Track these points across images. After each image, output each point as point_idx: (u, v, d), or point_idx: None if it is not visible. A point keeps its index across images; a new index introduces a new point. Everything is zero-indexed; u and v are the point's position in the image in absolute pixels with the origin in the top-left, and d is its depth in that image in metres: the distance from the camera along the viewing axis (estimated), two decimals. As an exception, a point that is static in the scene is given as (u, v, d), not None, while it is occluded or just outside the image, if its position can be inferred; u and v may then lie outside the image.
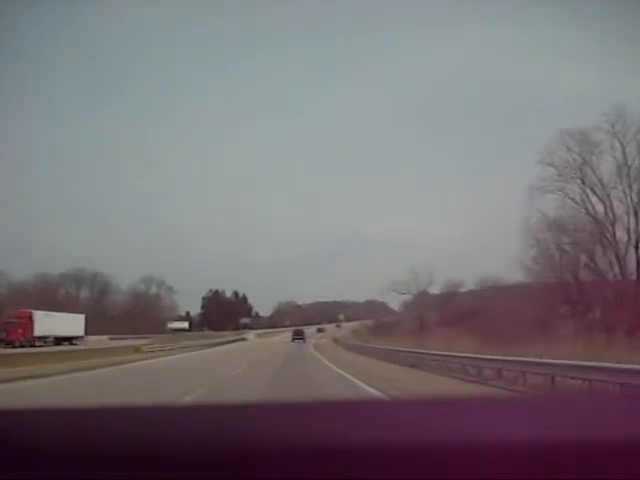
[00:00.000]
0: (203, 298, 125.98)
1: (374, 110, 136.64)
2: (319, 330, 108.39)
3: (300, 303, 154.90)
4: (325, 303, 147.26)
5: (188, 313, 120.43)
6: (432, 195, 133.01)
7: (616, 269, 34.18)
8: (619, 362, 11.72)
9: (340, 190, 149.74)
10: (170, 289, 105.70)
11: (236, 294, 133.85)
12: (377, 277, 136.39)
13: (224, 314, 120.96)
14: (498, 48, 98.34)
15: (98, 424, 0.92)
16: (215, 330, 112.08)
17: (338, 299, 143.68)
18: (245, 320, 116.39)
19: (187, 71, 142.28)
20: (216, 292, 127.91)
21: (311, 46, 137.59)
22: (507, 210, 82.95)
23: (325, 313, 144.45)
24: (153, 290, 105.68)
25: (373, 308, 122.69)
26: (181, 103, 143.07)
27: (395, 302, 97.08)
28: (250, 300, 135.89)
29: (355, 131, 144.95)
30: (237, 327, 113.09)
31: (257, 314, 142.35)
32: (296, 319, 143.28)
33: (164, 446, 0.85)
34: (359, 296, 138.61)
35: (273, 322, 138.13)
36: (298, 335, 75.94)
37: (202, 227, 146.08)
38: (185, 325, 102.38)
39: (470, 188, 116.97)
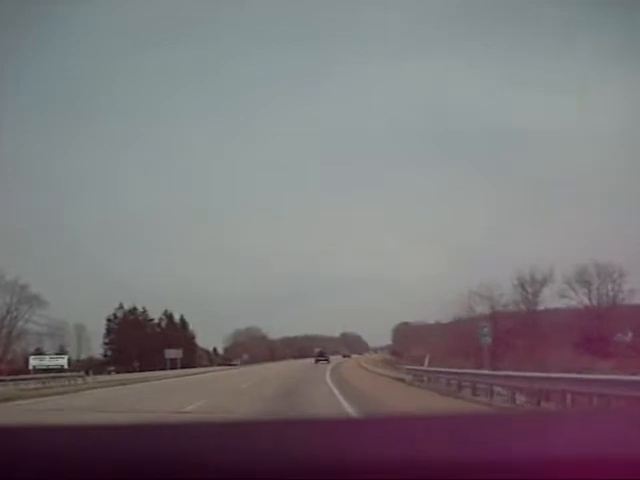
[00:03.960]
0: (109, 319, 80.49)
1: (346, 141, 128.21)
2: (344, 356, 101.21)
3: (265, 332, 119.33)
4: (295, 338, 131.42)
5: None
6: (404, 232, 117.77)
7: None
8: None
9: (309, 225, 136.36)
10: (36, 299, 61.93)
11: (170, 317, 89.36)
12: (350, 311, 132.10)
13: (147, 345, 77.47)
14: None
15: (86, 442, 0.91)
16: (128, 370, 69.47)
17: (309, 333, 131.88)
18: (172, 353, 71.91)
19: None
20: (132, 311, 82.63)
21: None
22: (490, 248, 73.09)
23: (297, 347, 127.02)
24: (6, 300, 62.06)
25: (348, 342, 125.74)
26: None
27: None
28: (201, 332, 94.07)
29: (323, 166, 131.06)
30: (163, 365, 70.20)
31: (215, 350, 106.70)
32: (262, 354, 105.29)
33: (149, 463, 0.85)
34: (332, 330, 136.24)
35: (228, 358, 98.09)
36: (321, 357, 75.91)
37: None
38: (60, 362, 57.82)
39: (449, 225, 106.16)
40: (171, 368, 67.94)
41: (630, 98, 65.18)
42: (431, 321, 72.55)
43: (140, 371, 66.52)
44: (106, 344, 78.74)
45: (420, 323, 76.66)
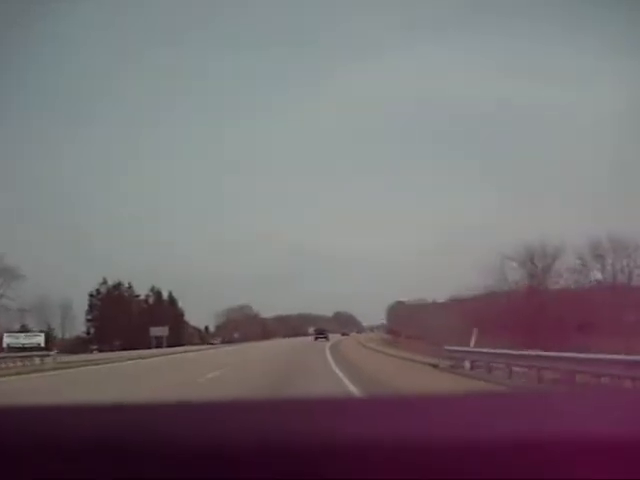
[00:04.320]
0: (91, 295, 76.28)
1: (335, 127, 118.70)
2: (343, 334, 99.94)
3: (257, 311, 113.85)
4: (289, 316, 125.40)
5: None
6: (398, 212, 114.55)
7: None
8: None
9: (302, 207, 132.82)
10: (10, 272, 57.93)
11: (157, 293, 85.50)
12: (343, 290, 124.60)
13: (132, 322, 73.77)
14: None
15: (89, 421, 0.91)
16: (112, 349, 65.80)
17: (303, 312, 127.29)
18: (157, 331, 68.14)
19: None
20: (117, 286, 78.65)
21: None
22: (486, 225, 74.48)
23: (291, 326, 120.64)
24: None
25: (341, 321, 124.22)
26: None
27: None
28: (193, 311, 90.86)
29: (318, 152, 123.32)
30: (149, 343, 66.50)
31: (207, 328, 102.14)
32: (254, 332, 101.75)
33: (149, 444, 0.85)
34: (325, 309, 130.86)
35: (220, 336, 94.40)
36: (320, 334, 76.49)
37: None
38: (37, 340, 54.08)
39: (444, 205, 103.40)
40: (156, 347, 64.49)
41: (633, 81, 62.87)
42: (428, 300, 72.74)
43: (123, 350, 62.97)
44: (89, 321, 74.74)
45: (417, 302, 75.96)
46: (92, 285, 76.96)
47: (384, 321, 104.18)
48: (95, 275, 78.21)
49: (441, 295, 65.39)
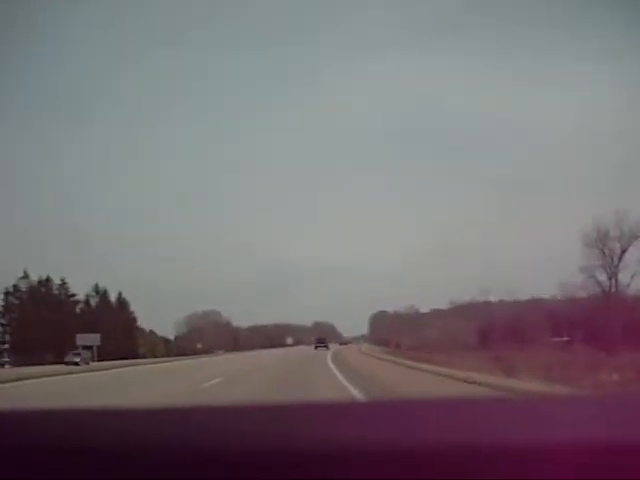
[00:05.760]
0: (7, 292, 58.44)
1: (335, 127, 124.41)
2: (341, 343, 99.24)
3: (228, 318, 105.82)
4: (264, 326, 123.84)
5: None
6: (396, 214, 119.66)
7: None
8: None
9: (276, 220, 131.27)
10: None
11: (103, 294, 69.14)
12: (322, 300, 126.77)
13: (67, 329, 57.53)
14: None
15: (95, 425, 0.92)
16: (32, 362, 49.84)
17: (280, 322, 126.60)
18: (86, 339, 51.68)
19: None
20: (44, 282, 61.44)
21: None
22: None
23: (266, 336, 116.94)
24: None
25: (322, 331, 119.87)
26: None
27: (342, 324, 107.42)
28: (160, 320, 76.27)
29: (303, 159, 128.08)
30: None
31: (177, 339, 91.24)
32: (223, 343, 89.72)
33: (149, 448, 0.85)
34: (303, 319, 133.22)
35: (181, 347, 79.38)
36: (321, 343, 74.72)
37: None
38: None
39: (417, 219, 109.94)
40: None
41: (633, 81, 65.58)
42: (415, 307, 73.55)
43: (50, 363, 47.48)
44: (3, 325, 58.05)
45: (408, 309, 76.62)
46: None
47: (365, 331, 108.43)
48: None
49: (427, 304, 64.54)
